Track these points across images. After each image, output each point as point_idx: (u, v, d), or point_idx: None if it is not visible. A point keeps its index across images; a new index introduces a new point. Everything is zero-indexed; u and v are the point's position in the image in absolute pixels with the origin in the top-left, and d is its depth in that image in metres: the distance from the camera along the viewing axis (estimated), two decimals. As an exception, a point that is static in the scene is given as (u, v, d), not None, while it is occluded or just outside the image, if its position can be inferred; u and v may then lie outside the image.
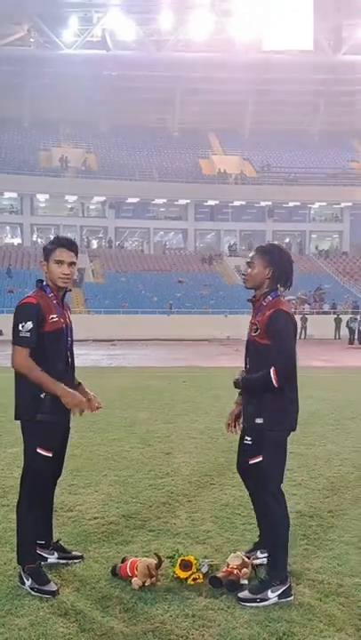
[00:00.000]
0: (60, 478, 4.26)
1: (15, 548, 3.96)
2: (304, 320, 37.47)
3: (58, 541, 4.24)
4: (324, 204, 56.75)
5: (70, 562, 4.14)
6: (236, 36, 54.56)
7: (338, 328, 38.08)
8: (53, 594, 3.66)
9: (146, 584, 3.74)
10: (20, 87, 56.68)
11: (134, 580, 3.75)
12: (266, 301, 3.80)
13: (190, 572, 3.82)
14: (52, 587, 3.72)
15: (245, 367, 3.92)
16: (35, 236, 54.10)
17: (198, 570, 3.85)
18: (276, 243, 4.33)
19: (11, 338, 3.86)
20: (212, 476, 6.26)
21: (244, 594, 3.63)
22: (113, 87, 56.47)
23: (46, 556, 4.11)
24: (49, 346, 3.77)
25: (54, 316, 3.81)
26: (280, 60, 53.71)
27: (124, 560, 3.93)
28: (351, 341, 33.96)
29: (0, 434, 8.35)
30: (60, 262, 3.84)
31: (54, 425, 3.85)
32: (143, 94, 58.14)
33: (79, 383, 4.06)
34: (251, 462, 3.81)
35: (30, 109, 58.56)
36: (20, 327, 3.71)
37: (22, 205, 53.34)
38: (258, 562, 4.00)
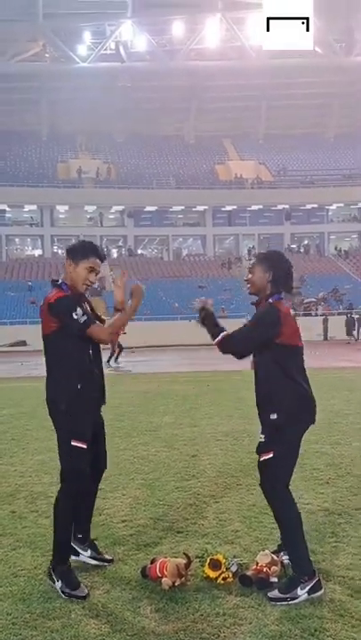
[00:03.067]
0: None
1: (45, 553, 3.98)
2: (325, 321, 37.34)
3: (93, 540, 4.27)
4: (342, 204, 56.35)
5: (101, 564, 4.15)
6: (247, 43, 54.60)
7: (359, 328, 37.78)
8: (84, 598, 3.67)
9: (176, 584, 3.75)
10: (38, 102, 57.53)
11: (164, 580, 3.75)
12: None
13: (220, 572, 3.82)
14: (83, 591, 3.72)
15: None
16: (55, 247, 54.52)
17: (228, 569, 3.84)
18: (274, 249, 4.53)
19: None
20: (238, 477, 6.25)
21: (274, 593, 3.61)
22: (128, 98, 56.77)
23: (80, 551, 4.13)
24: (73, 340, 3.83)
25: None
26: (292, 64, 53.73)
27: (153, 561, 3.94)
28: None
29: (27, 442, 8.43)
30: (91, 269, 3.97)
31: (88, 416, 3.93)
32: (158, 104, 58.54)
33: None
34: (261, 459, 3.79)
35: (48, 123, 59.22)
36: (75, 316, 3.75)
37: (42, 217, 53.77)
38: (286, 559, 3.99)
